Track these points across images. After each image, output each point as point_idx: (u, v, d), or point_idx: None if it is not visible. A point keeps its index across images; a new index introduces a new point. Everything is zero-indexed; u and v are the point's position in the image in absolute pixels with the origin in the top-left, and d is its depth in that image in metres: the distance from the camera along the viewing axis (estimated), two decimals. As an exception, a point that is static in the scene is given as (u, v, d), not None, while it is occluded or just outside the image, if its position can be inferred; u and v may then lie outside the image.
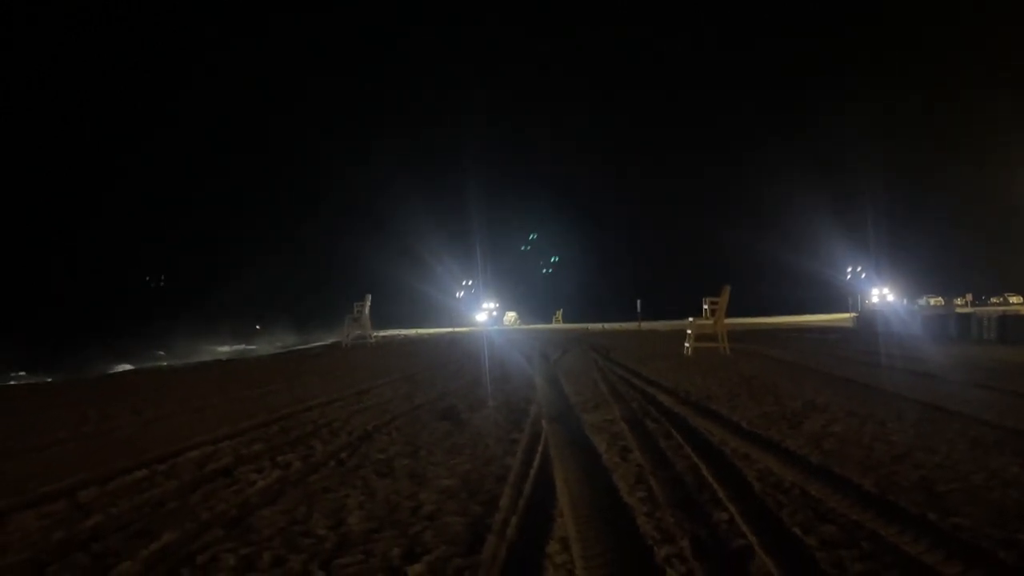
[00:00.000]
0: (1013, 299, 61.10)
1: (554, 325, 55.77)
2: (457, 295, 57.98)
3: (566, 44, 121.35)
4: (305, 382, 13.47)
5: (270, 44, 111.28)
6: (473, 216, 71.05)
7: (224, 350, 40.58)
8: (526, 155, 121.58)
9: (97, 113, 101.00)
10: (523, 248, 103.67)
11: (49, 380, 21.59)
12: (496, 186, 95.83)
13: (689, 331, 18.11)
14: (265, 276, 72.39)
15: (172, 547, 3.74)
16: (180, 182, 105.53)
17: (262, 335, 55.93)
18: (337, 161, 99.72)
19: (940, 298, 60.73)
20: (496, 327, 48.42)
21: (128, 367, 26.48)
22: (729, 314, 18.53)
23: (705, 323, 18.06)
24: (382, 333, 37.68)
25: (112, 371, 24.34)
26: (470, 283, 58.31)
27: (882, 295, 49.50)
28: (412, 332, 46.12)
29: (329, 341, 38.19)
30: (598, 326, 44.42)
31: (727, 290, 18.06)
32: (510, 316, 61.48)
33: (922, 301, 57.06)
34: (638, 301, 44.43)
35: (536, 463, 5.43)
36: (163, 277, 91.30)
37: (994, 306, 55.13)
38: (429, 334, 43.88)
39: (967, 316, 24.82)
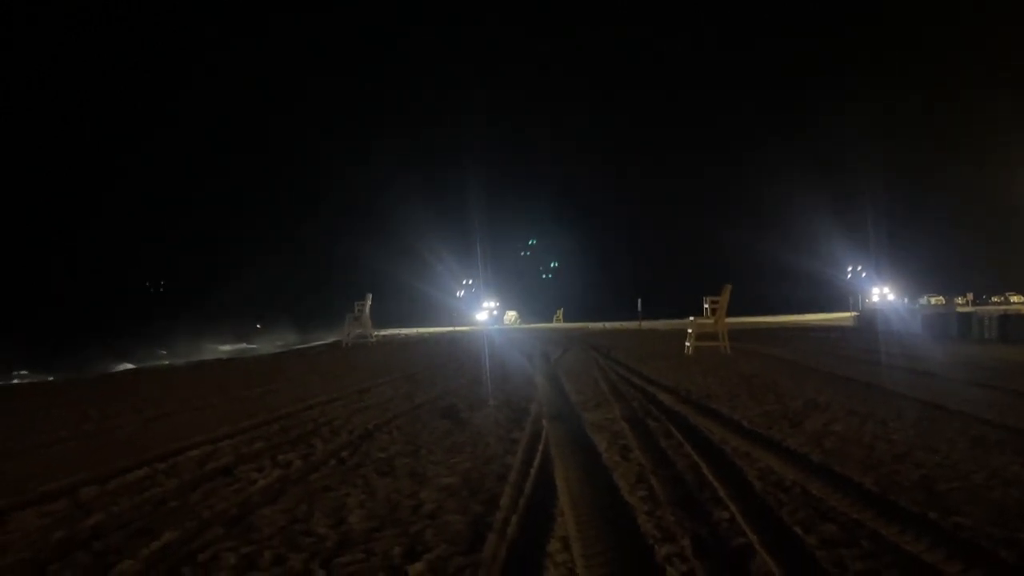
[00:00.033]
0: (1014, 298, 61.12)
1: (555, 324, 55.66)
2: (457, 294, 57.93)
3: (566, 44, 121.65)
4: (306, 381, 13.47)
5: (270, 44, 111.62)
6: (473, 216, 71.17)
7: (225, 349, 40.58)
8: (526, 155, 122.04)
9: (97, 113, 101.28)
10: (523, 254, 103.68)
11: (50, 379, 21.59)
12: (496, 186, 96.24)
13: (690, 330, 18.10)
14: (265, 276, 72.53)
15: (173, 546, 3.74)
16: (180, 182, 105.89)
17: (263, 334, 55.83)
18: (337, 161, 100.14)
19: (941, 297, 60.70)
20: (497, 326, 48.34)
21: (129, 366, 26.46)
22: (730, 313, 18.52)
23: (706, 322, 18.05)
24: (382, 332, 37.64)
25: (113, 370, 24.32)
26: (470, 282, 58.32)
27: (883, 294, 49.42)
28: (412, 331, 46.08)
29: (330, 340, 38.11)
30: (599, 325, 44.40)
31: (728, 289, 18.06)
32: (511, 315, 61.35)
33: (923, 300, 57.06)
34: (638, 300, 44.45)
35: (537, 462, 5.43)
36: (163, 282, 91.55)
37: (995, 305, 55.08)
38: (430, 333, 43.84)
39: (968, 315, 24.81)
